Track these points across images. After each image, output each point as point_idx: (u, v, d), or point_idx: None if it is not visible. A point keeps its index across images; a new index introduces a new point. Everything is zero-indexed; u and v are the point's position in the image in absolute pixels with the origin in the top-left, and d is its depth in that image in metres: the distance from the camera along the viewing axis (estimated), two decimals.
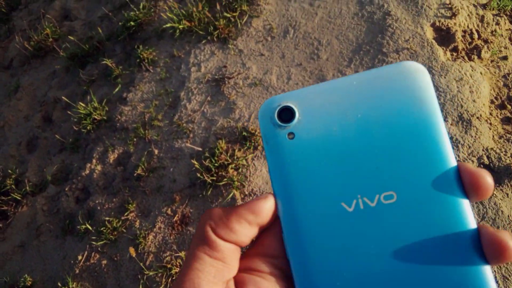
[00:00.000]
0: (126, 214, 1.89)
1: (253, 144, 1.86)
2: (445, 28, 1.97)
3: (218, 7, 2.35)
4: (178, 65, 2.32)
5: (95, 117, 2.25)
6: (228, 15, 2.30)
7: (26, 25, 3.18)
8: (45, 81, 2.75)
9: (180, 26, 2.33)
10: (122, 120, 2.22)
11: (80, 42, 2.70)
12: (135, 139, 2.11)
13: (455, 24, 1.96)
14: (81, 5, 3.10)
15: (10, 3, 3.48)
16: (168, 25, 2.36)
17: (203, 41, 2.32)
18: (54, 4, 3.16)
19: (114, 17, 2.78)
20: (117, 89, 2.36)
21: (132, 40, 2.57)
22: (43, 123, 2.54)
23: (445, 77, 1.79)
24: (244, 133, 1.88)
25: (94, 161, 2.13)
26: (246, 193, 1.75)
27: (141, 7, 2.58)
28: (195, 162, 1.85)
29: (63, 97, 2.49)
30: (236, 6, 2.32)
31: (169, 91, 2.23)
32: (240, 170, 1.81)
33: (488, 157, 1.56)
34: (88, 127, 2.25)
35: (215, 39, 2.29)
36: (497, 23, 1.98)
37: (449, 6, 2.02)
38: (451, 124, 1.66)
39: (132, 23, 2.52)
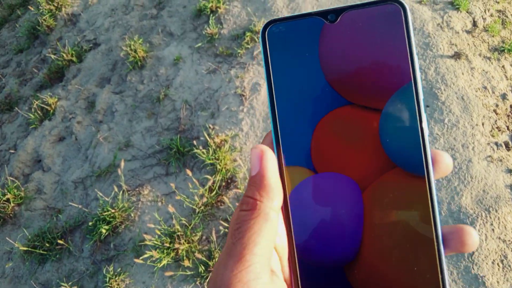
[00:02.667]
0: None
1: None
2: None
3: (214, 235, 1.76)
4: None
5: None
6: None
7: None
8: None
9: (164, 261, 1.74)
10: None
11: (43, 219, 2.14)
12: None
13: None
14: (57, 151, 2.54)
15: None
16: (147, 254, 1.77)
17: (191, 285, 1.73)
18: (26, 142, 2.60)
19: (88, 192, 2.21)
20: None
21: (105, 248, 1.99)
22: None
23: None
24: None
25: None
26: None
27: (119, 201, 2.00)
28: None
29: None
30: None
31: None
32: None
33: None
34: None
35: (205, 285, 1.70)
36: None
37: None
38: None
39: (104, 228, 1.94)
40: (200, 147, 2.06)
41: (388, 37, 0.32)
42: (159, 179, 2.15)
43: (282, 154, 0.33)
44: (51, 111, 2.71)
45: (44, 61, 3.29)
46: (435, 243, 0.31)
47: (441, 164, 0.32)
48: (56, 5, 3.36)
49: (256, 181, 0.31)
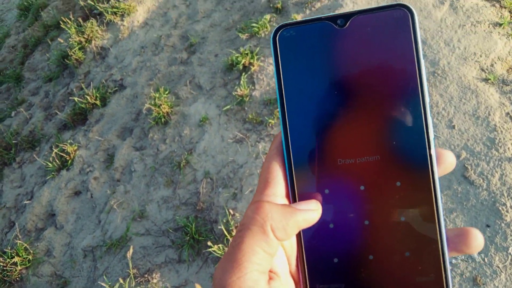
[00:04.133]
0: None
1: None
2: None
3: None
4: None
5: None
6: None
7: None
8: None
9: None
10: None
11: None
12: None
13: None
14: (71, 207, 2.42)
15: None
16: None
17: None
18: (42, 193, 2.49)
19: (97, 264, 2.06)
20: None
21: None
22: None
23: None
24: None
25: None
26: None
27: None
28: None
29: None
30: None
31: None
32: None
33: None
34: None
35: None
36: None
37: None
38: None
39: None
40: (216, 239, 1.85)
41: (396, 42, 0.33)
42: (171, 265, 1.96)
43: (291, 158, 0.34)
44: (70, 160, 2.58)
45: (71, 95, 3.19)
46: (439, 244, 0.31)
47: (445, 163, 0.33)
48: (86, 37, 3.24)
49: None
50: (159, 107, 2.47)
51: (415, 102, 0.32)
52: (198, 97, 2.52)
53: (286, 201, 0.34)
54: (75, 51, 3.20)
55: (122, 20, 3.24)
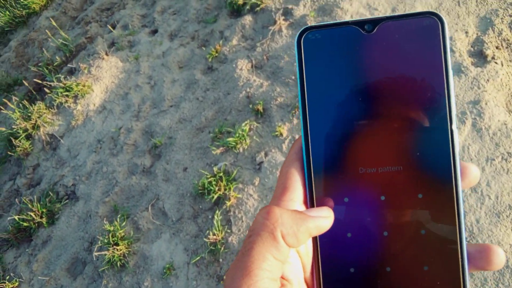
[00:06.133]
0: None
1: None
2: None
3: None
4: None
5: None
6: None
7: None
8: None
9: None
10: None
11: None
12: None
13: None
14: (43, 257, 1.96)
15: None
16: None
17: None
18: None
19: None
20: None
21: None
22: None
23: None
24: None
25: None
26: None
27: None
28: None
29: None
30: None
31: None
32: None
33: None
34: None
35: None
36: None
37: None
38: None
39: None
40: None
41: (424, 51, 0.32)
42: None
43: (311, 164, 0.33)
44: None
45: (18, 192, 2.69)
46: (460, 259, 0.30)
47: (469, 176, 0.32)
48: (34, 122, 2.71)
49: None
50: (115, 245, 1.99)
51: (442, 113, 0.31)
52: (162, 231, 2.05)
53: (303, 208, 0.33)
54: (20, 140, 2.68)
55: (76, 103, 2.71)
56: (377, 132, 0.32)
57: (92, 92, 2.73)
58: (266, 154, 2.02)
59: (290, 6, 2.53)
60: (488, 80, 1.93)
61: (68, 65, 3.01)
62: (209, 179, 2.01)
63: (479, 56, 2.04)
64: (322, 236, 0.32)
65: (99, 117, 2.64)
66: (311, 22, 2.41)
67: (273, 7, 2.58)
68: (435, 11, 0.32)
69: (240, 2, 2.66)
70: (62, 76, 2.84)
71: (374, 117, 0.32)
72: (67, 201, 2.40)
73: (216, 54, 2.55)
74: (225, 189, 1.97)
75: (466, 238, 0.30)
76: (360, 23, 0.32)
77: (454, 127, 0.31)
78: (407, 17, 0.32)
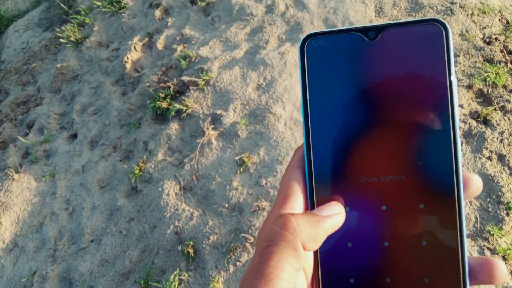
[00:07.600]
0: None
1: None
2: None
3: None
4: None
5: None
6: None
7: None
8: None
9: None
10: None
11: None
12: None
13: None
14: None
15: None
16: None
17: None
18: None
19: None
20: None
21: None
22: None
23: None
24: None
25: None
26: None
27: None
28: None
29: None
30: None
31: None
32: None
33: None
34: None
35: None
36: None
37: None
38: None
39: None
40: None
41: (428, 59, 0.31)
42: None
43: (313, 173, 0.32)
44: None
45: None
46: (461, 272, 0.30)
47: (471, 187, 0.31)
48: None
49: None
50: None
51: (445, 123, 0.31)
52: None
53: None
54: None
55: None
56: (380, 141, 0.31)
57: (1, 225, 2.33)
58: None
59: (218, 112, 2.24)
60: None
61: None
62: None
63: None
64: (322, 246, 0.31)
65: (9, 259, 2.24)
66: (243, 131, 2.13)
67: (200, 112, 2.29)
68: (439, 18, 0.31)
69: (164, 105, 2.36)
70: None
71: (376, 125, 0.31)
72: None
73: (141, 173, 2.22)
74: None
75: (468, 251, 0.28)
76: (364, 30, 0.32)
77: (457, 136, 0.31)
78: (411, 24, 0.31)
